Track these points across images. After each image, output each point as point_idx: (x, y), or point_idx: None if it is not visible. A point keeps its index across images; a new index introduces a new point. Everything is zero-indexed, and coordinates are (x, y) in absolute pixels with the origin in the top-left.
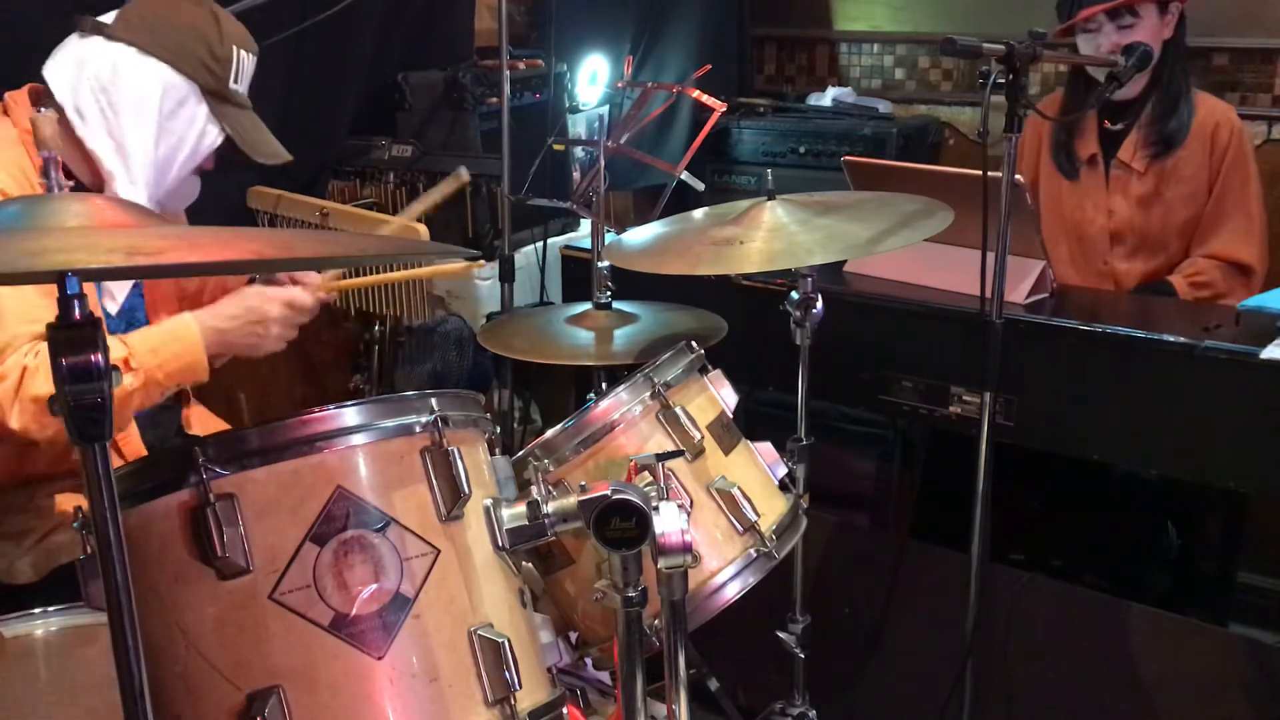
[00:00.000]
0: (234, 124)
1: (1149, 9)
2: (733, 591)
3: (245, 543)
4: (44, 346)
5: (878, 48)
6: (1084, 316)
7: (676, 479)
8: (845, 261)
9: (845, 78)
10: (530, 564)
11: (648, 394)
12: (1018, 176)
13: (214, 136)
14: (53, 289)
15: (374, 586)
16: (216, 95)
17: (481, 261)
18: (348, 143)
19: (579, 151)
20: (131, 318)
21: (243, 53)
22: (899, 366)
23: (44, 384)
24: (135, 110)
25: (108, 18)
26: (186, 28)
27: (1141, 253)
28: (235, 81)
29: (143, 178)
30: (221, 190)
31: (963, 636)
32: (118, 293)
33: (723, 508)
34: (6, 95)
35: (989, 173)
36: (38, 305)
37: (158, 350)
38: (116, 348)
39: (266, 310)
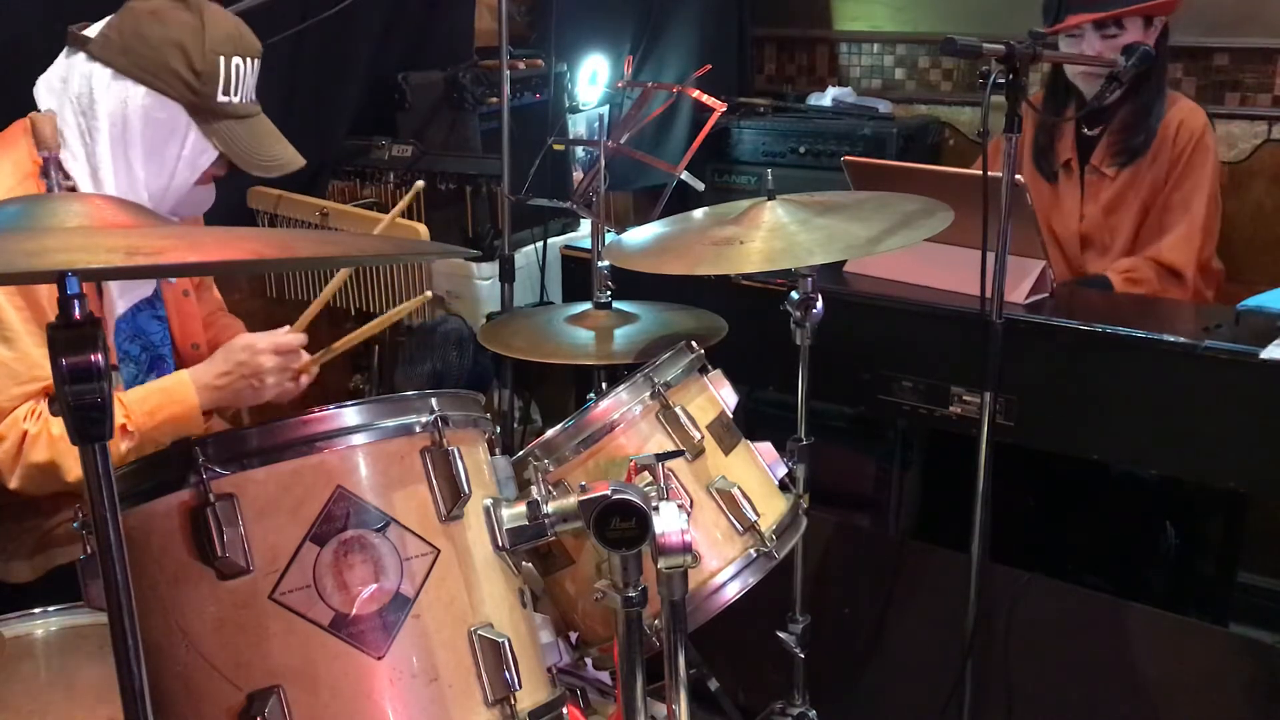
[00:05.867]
0: (228, 138)
1: (1134, 22)
2: (733, 591)
3: (245, 543)
4: (44, 408)
5: (878, 48)
6: (1084, 316)
7: (676, 479)
8: (845, 261)
9: (845, 78)
10: (530, 564)
11: (648, 394)
12: (1018, 176)
13: (208, 154)
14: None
15: (374, 586)
16: (204, 111)
17: (428, 293)
18: (348, 143)
19: (579, 151)
20: (157, 355)
21: (236, 60)
22: (899, 366)
23: (44, 451)
24: (115, 135)
25: (93, 30)
26: (166, 43)
27: (1112, 255)
28: (227, 93)
29: None
30: (221, 190)
31: (963, 636)
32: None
33: (723, 508)
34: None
35: (989, 173)
36: (35, 364)
37: (154, 413)
38: (115, 411)
39: (258, 363)
